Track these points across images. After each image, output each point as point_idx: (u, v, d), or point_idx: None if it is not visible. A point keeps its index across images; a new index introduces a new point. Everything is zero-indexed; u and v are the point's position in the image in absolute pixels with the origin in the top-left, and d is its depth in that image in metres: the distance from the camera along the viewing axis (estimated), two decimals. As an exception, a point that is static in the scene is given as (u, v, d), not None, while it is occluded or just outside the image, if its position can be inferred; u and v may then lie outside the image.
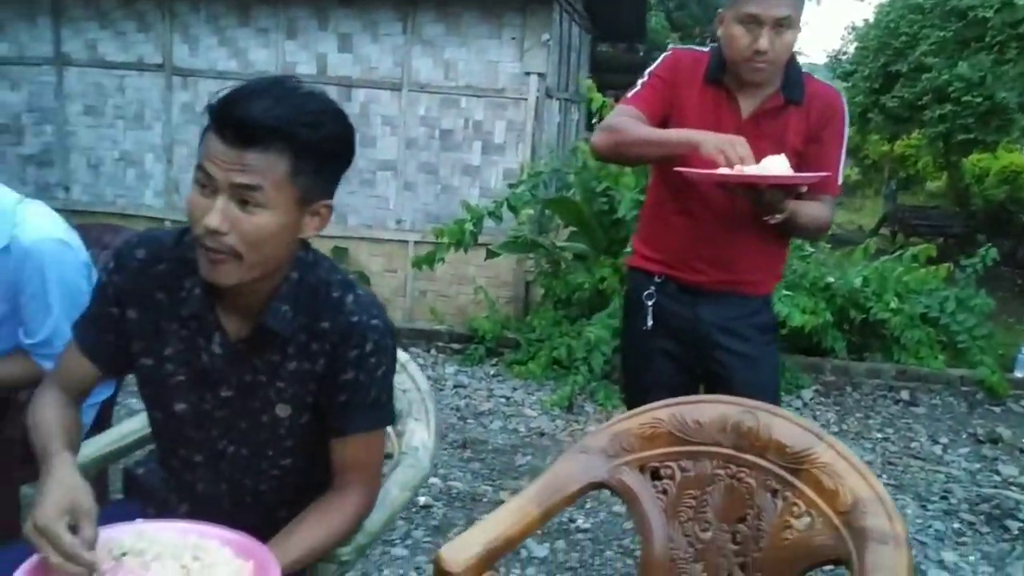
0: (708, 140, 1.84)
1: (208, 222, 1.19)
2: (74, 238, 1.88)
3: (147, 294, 1.34)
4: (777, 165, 1.84)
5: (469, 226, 4.84)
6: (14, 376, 1.84)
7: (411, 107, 5.97)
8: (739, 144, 1.81)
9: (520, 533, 1.43)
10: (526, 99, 5.84)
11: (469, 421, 4.01)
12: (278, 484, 1.40)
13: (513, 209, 4.94)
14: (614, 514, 3.04)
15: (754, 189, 1.88)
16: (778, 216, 1.89)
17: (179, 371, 1.35)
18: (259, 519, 1.36)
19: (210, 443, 1.38)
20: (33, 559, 1.15)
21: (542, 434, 3.89)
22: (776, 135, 1.98)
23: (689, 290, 2.08)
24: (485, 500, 3.14)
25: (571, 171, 5.12)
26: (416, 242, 5.97)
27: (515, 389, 4.50)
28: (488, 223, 4.93)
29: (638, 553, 2.85)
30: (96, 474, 1.77)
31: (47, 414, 1.34)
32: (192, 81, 6.19)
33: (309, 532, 1.30)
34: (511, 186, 5.20)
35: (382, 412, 1.37)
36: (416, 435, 1.62)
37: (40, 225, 1.83)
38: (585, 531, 2.91)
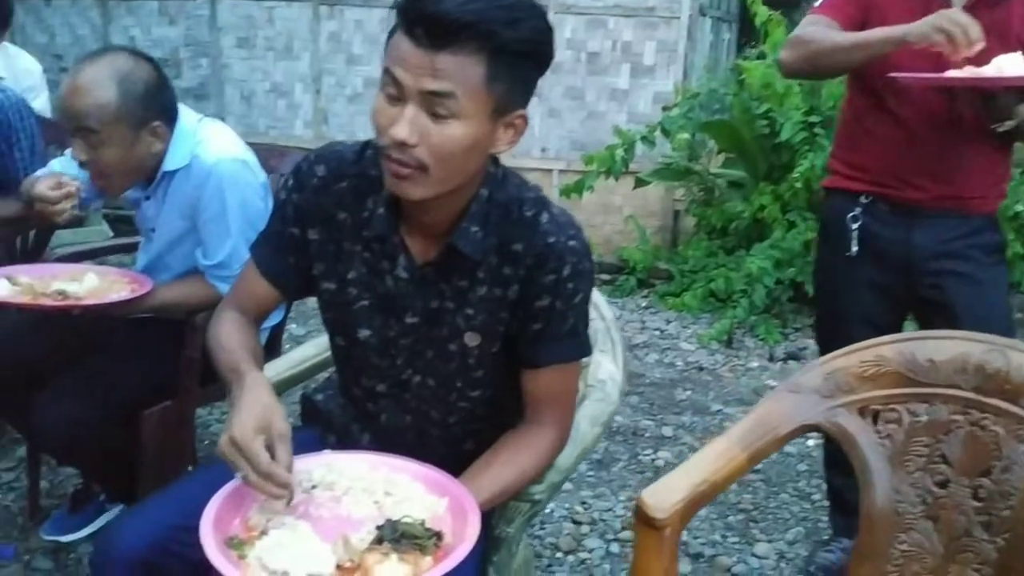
0: (916, 28, 1.60)
1: (396, 133, 1.08)
2: (252, 159, 1.84)
3: (329, 214, 1.26)
4: (1012, 63, 1.59)
5: (620, 152, 4.63)
6: (194, 298, 1.84)
7: (557, 29, 5.62)
8: (959, 17, 1.55)
9: (726, 478, 1.30)
10: (678, 17, 5.50)
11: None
12: (467, 416, 1.32)
13: (667, 133, 4.70)
14: (786, 455, 2.86)
15: (982, 93, 1.64)
16: (1008, 123, 1.66)
17: (363, 296, 1.27)
18: (445, 452, 1.28)
19: (394, 372, 1.30)
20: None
21: (701, 368, 3.73)
22: (998, 25, 1.70)
23: (903, 211, 1.85)
24: (647, 435, 3.02)
25: (729, 92, 4.80)
26: (561, 171, 5.81)
27: (669, 322, 4.33)
28: (636, 149, 4.71)
29: (816, 497, 2.70)
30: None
31: (231, 335, 1.29)
32: (338, 10, 6.16)
33: (502, 469, 1.22)
34: (664, 109, 4.93)
35: (578, 342, 1.26)
36: (603, 367, 1.51)
37: (222, 144, 1.80)
38: (757, 472, 2.74)
